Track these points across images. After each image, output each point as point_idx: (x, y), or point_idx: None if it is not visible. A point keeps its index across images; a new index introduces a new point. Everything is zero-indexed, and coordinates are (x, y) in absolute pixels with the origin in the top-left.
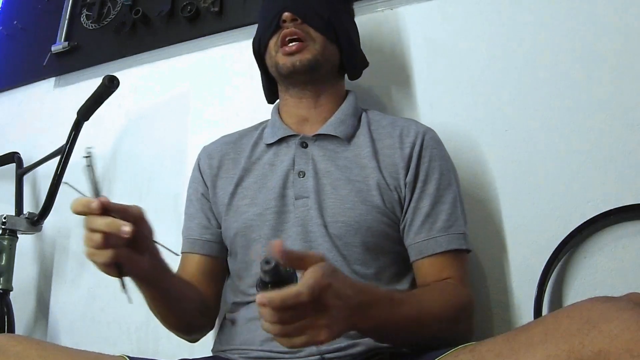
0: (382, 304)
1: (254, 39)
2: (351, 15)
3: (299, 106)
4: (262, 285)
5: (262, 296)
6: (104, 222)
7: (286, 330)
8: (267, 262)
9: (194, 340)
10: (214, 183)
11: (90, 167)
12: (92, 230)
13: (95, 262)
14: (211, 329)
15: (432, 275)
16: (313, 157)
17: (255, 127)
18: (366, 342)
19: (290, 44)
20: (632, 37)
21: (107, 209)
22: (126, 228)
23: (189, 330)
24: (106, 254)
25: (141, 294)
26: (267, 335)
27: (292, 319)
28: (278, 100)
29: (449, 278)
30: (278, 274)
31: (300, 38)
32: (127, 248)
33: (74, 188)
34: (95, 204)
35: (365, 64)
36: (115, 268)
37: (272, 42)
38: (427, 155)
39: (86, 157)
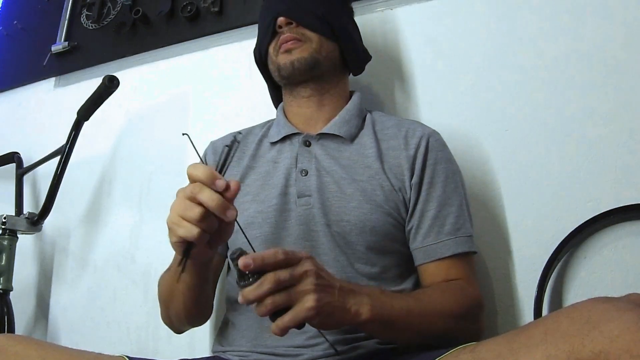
0: (370, 291)
1: (254, 48)
2: (349, 11)
3: (303, 106)
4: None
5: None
6: (214, 198)
7: (270, 293)
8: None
9: (182, 332)
10: None
11: (229, 148)
12: (198, 202)
13: (174, 232)
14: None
15: (438, 277)
16: (316, 156)
17: (261, 125)
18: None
19: (288, 42)
20: (632, 38)
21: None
22: (233, 212)
23: (195, 321)
24: (193, 231)
25: (184, 279)
26: (268, 335)
27: (275, 281)
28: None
29: (456, 279)
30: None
31: (297, 39)
32: (206, 233)
33: (193, 144)
34: (222, 182)
35: (367, 57)
36: (185, 246)
37: (271, 48)
38: (432, 157)
39: (234, 141)
